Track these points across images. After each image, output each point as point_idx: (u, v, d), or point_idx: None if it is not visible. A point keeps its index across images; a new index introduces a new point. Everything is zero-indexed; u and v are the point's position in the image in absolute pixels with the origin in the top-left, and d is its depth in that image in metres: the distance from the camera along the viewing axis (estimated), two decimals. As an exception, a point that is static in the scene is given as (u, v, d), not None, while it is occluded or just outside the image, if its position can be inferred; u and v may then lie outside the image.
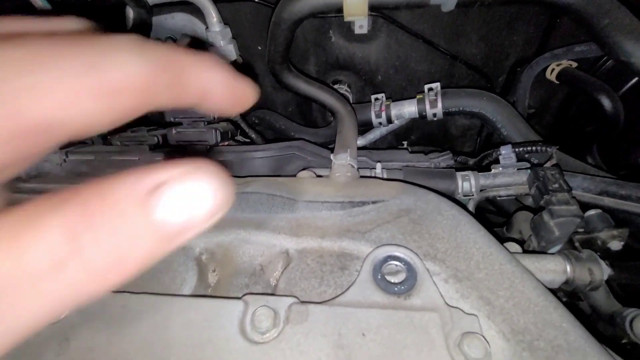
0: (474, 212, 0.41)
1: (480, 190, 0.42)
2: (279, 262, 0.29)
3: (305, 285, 0.27)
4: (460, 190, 0.42)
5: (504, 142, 0.52)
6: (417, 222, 0.29)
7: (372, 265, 0.25)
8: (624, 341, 0.28)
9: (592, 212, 0.29)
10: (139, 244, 0.10)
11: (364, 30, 0.60)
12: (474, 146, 0.78)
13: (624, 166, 0.58)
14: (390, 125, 0.61)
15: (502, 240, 0.34)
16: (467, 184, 0.42)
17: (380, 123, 0.60)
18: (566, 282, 0.27)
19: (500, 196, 0.42)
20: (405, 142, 0.75)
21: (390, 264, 0.26)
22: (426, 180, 0.43)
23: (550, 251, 0.32)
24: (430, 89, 0.56)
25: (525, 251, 0.30)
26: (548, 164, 0.37)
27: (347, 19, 0.48)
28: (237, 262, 0.30)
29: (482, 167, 0.45)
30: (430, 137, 0.80)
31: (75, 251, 0.09)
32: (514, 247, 0.30)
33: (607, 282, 0.37)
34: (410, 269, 0.25)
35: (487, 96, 0.52)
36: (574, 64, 0.54)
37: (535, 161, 0.46)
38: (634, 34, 0.32)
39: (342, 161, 0.38)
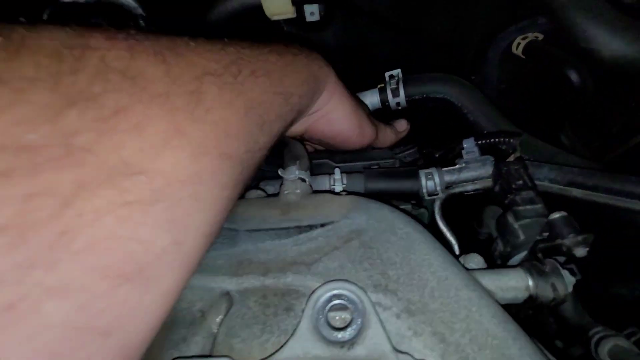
0: (440, 212, 0.39)
1: (446, 187, 0.40)
2: (222, 305, 0.27)
3: (247, 334, 0.24)
4: (424, 190, 0.39)
5: (473, 129, 0.49)
6: (368, 246, 0.27)
7: (314, 309, 0.23)
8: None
9: (556, 215, 0.27)
10: None
11: (316, 17, 0.55)
12: (449, 130, 0.75)
13: (597, 140, 0.56)
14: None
15: (471, 242, 0.31)
16: (431, 182, 0.39)
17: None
18: (530, 298, 0.25)
19: (467, 191, 0.40)
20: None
21: (336, 304, 0.23)
22: (389, 182, 0.40)
23: (516, 257, 0.30)
24: (392, 76, 0.52)
25: (490, 261, 0.28)
26: (512, 157, 0.34)
27: (273, 18, 0.43)
28: (175, 310, 0.27)
29: (448, 161, 0.42)
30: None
31: None
32: (475, 259, 0.28)
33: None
34: (356, 308, 0.22)
35: (451, 80, 0.49)
36: (541, 37, 0.51)
37: (504, 147, 0.44)
38: (596, 16, 0.28)
39: (292, 176, 0.35)
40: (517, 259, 0.29)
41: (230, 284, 0.26)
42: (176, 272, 0.19)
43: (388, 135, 0.48)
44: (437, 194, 0.39)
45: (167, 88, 0.19)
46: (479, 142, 0.38)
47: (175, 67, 0.20)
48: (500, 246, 0.32)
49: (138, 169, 0.16)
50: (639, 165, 0.56)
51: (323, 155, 0.48)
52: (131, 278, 0.15)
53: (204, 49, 0.23)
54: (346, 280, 0.24)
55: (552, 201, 0.44)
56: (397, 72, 0.52)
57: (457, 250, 0.37)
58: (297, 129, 0.40)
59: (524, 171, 0.32)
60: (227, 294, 0.27)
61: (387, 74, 0.52)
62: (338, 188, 0.41)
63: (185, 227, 0.19)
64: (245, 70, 0.24)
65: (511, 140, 0.35)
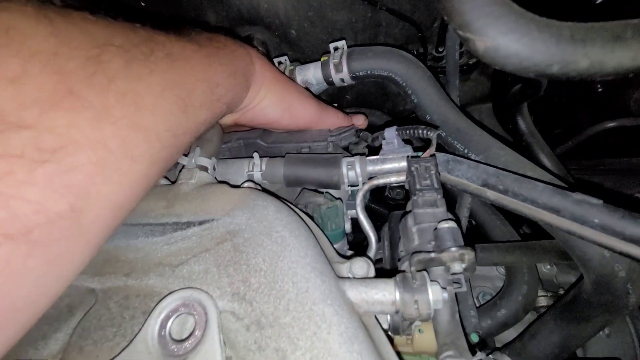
0: (362, 204, 0.37)
1: (369, 178, 0.37)
2: (90, 302, 0.26)
3: (99, 337, 0.23)
4: (346, 180, 0.37)
5: (416, 111, 0.45)
6: (239, 249, 0.25)
7: (159, 317, 0.22)
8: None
9: (444, 224, 0.25)
10: None
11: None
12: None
13: (559, 127, 0.52)
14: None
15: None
16: (353, 172, 0.37)
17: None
18: (398, 313, 0.23)
19: (391, 183, 0.37)
20: (335, 105, 0.67)
21: (183, 313, 0.22)
22: (308, 170, 0.38)
23: (406, 262, 0.28)
24: (336, 49, 0.47)
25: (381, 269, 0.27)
26: (427, 153, 0.31)
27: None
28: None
29: (376, 150, 0.39)
30: (366, 96, 0.71)
31: None
32: (359, 264, 0.26)
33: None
34: (200, 320, 0.21)
35: (397, 55, 0.44)
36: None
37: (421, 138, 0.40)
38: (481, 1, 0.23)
39: (191, 163, 0.33)
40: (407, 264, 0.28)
41: (92, 282, 0.25)
42: (72, 241, 0.18)
43: (335, 121, 0.45)
44: (358, 185, 0.37)
45: (54, 48, 0.18)
46: (398, 132, 0.34)
47: (65, 30, 0.19)
48: (401, 246, 0.31)
49: (16, 122, 0.15)
50: (598, 153, 0.52)
51: (254, 135, 0.45)
52: (14, 238, 0.15)
53: (106, 23, 0.22)
54: (196, 289, 0.22)
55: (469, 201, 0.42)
56: (341, 43, 0.47)
57: (373, 246, 0.35)
58: (225, 121, 0.39)
59: (433, 169, 0.30)
60: (93, 291, 0.26)
61: (331, 46, 0.47)
62: (256, 174, 0.39)
63: (86, 195, 0.18)
64: (158, 53, 0.24)
65: (429, 133, 0.32)
